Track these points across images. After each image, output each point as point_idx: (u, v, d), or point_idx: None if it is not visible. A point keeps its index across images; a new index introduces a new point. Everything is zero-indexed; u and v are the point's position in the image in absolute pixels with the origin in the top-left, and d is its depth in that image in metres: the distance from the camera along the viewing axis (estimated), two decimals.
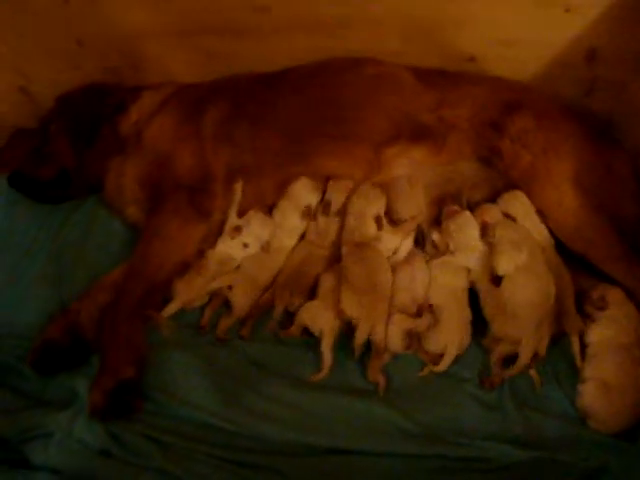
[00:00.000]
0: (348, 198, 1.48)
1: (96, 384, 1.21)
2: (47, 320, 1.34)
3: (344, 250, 1.42)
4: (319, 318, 1.29)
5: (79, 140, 1.59)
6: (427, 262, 1.41)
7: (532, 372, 1.25)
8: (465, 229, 1.40)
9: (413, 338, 1.28)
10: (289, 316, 1.37)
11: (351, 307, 1.28)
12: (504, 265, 1.32)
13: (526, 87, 1.60)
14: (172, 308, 1.35)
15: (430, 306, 1.31)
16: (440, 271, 1.38)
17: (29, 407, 1.22)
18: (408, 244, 1.44)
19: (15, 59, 1.76)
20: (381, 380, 1.24)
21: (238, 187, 1.48)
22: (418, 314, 1.32)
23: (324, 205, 1.49)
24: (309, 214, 1.49)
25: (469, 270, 1.38)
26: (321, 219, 1.48)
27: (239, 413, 1.21)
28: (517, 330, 1.25)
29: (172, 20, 1.66)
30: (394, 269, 1.39)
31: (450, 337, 1.27)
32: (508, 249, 1.33)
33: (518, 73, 1.64)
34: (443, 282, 1.36)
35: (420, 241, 1.48)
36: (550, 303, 1.29)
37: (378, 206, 1.46)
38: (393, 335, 1.27)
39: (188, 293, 1.37)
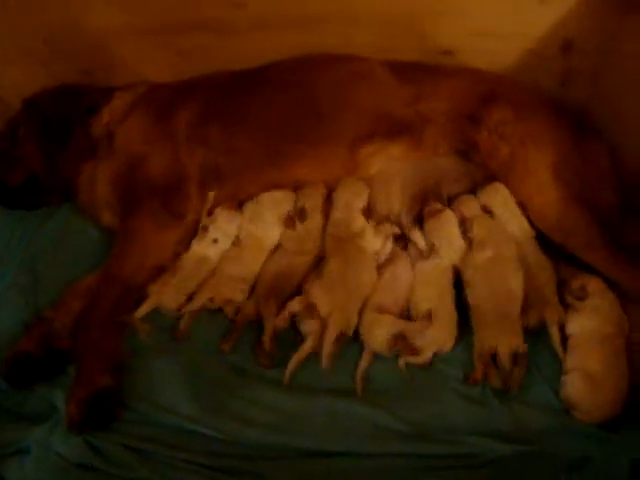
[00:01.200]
0: (323, 198, 1.46)
1: (72, 395, 1.17)
2: (21, 330, 1.30)
3: (327, 243, 1.41)
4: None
5: (49, 144, 1.54)
6: (412, 263, 1.39)
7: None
8: (447, 227, 1.40)
9: (399, 340, 1.25)
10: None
11: (323, 303, 1.26)
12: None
13: (503, 78, 1.59)
14: (144, 309, 1.31)
15: (429, 314, 1.28)
16: (425, 272, 1.37)
17: (4, 422, 1.19)
18: (388, 245, 1.42)
19: None
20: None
21: (211, 195, 1.46)
22: (402, 316, 1.30)
23: (299, 212, 1.46)
24: (290, 222, 1.46)
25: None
26: (299, 227, 1.45)
27: (220, 418, 1.18)
28: (488, 336, 1.24)
29: (144, 18, 1.61)
30: (378, 270, 1.37)
31: (434, 334, 1.26)
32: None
33: (494, 65, 1.63)
34: (428, 282, 1.35)
35: (401, 240, 1.46)
36: (514, 303, 1.28)
37: (364, 198, 1.45)
38: (379, 336, 1.25)
39: (161, 294, 1.33)
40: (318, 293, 1.28)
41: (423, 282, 1.35)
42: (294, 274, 1.38)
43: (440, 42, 1.63)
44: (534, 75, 1.64)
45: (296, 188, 1.50)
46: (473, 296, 1.32)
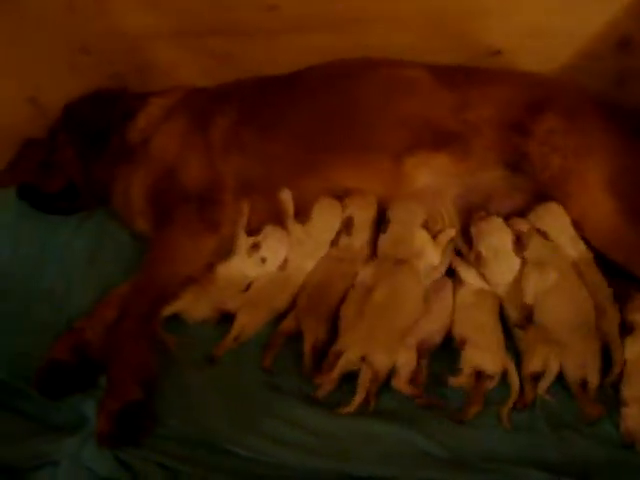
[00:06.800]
0: (374, 211, 1.41)
1: (102, 407, 1.15)
2: (54, 340, 1.29)
3: (377, 267, 1.34)
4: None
5: (87, 149, 1.55)
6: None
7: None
8: (496, 232, 1.33)
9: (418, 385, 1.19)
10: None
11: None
12: (532, 290, 1.26)
13: (555, 82, 1.51)
14: (169, 310, 1.30)
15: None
16: (472, 298, 1.31)
17: (35, 433, 1.17)
18: (443, 267, 1.36)
19: (22, 70, 1.72)
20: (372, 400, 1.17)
21: (245, 206, 1.42)
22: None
23: (346, 224, 1.40)
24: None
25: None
26: (343, 240, 1.39)
27: (256, 438, 1.14)
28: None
29: (178, 22, 1.63)
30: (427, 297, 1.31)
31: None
32: (533, 273, 1.28)
33: (545, 65, 1.57)
34: (473, 306, 1.29)
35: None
36: (589, 322, 1.20)
37: (423, 213, 1.40)
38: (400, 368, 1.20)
39: (190, 302, 1.31)
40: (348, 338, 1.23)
41: (466, 307, 1.29)
42: (335, 285, 1.33)
43: (488, 42, 1.58)
44: (588, 75, 1.58)
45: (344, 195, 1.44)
46: (545, 323, 1.23)
